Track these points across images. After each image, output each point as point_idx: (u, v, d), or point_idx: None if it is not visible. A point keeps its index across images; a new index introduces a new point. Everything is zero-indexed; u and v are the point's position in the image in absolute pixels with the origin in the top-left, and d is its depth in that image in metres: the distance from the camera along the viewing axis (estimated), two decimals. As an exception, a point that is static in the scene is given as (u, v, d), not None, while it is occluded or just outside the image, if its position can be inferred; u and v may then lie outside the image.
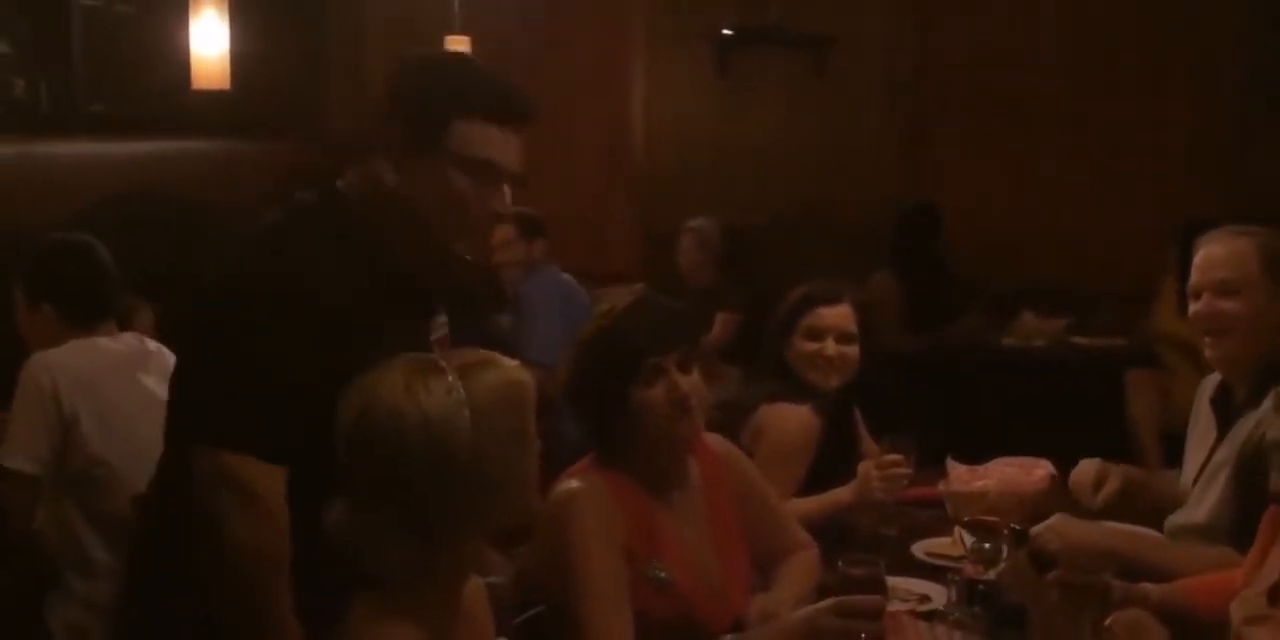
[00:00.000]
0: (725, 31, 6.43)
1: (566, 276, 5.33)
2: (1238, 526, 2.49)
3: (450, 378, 1.58)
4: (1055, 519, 2.66)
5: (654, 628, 2.12)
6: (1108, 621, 2.14)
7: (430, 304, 2.09)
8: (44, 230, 3.43)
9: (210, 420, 1.85)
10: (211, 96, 4.19)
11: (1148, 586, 2.38)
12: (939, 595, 2.41)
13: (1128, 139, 6.23)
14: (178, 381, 2.01)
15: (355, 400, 1.59)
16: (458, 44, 5.46)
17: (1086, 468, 2.91)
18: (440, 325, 2.10)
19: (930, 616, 2.26)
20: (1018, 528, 2.24)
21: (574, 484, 2.19)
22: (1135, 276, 5.75)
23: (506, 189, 2.02)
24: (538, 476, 1.71)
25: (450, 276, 2.16)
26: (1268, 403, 2.27)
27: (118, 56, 5.46)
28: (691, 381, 2.22)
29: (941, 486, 2.97)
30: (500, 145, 1.97)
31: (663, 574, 2.17)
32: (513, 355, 3.75)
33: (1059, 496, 2.94)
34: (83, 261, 3.08)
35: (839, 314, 3.04)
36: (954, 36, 6.42)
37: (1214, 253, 2.71)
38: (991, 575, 2.18)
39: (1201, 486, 2.73)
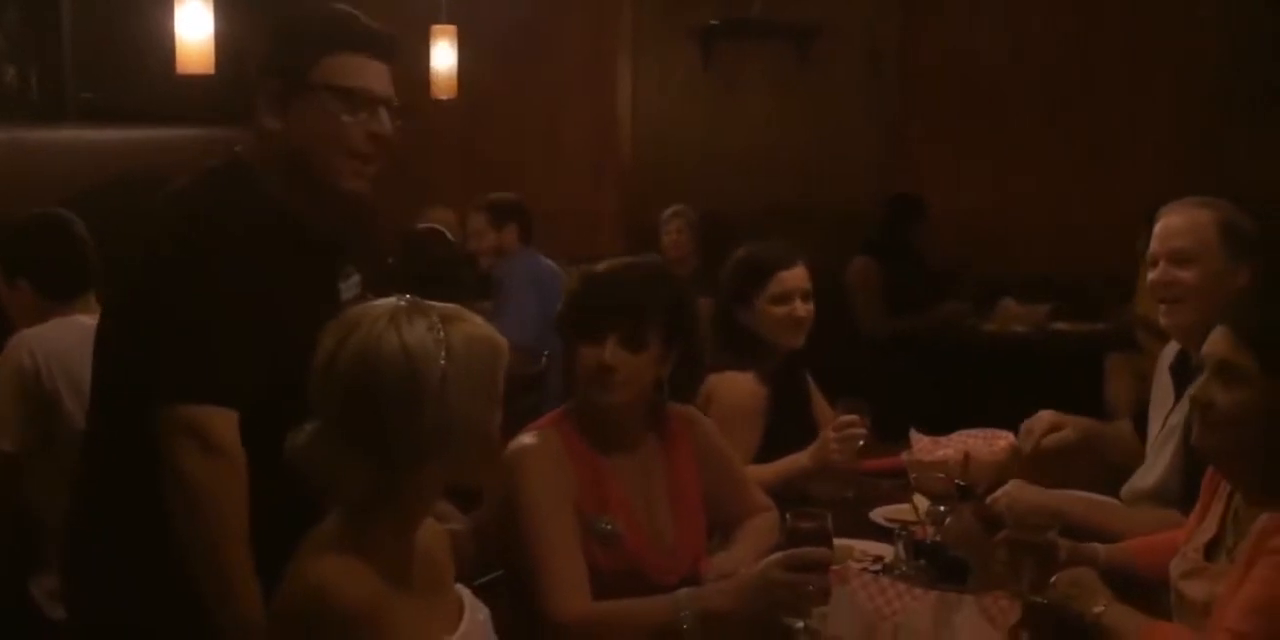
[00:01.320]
0: (710, 23, 6.50)
1: (546, 261, 5.41)
2: (1185, 490, 2.55)
3: (434, 318, 1.65)
4: (1011, 484, 2.73)
5: (601, 578, 2.20)
6: (1052, 578, 2.20)
7: (339, 260, 2.17)
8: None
9: (159, 377, 1.95)
10: (201, 85, 4.25)
11: (1096, 546, 2.45)
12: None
13: (1108, 129, 6.30)
14: (112, 347, 2.11)
15: (339, 329, 1.65)
16: (444, 33, 5.53)
17: (1042, 415, 2.98)
18: (353, 286, 2.19)
19: (879, 571, 2.31)
20: (962, 484, 2.30)
21: (527, 439, 2.27)
22: (1117, 263, 5.80)
23: (384, 113, 2.12)
24: (498, 438, 1.76)
25: (355, 227, 2.24)
26: None
27: (107, 45, 5.51)
28: (625, 358, 2.25)
29: (904, 456, 3.04)
30: (366, 72, 2.10)
31: (609, 527, 2.24)
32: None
33: (1020, 466, 3.01)
34: (58, 236, 3.12)
35: (797, 275, 3.14)
36: (936, 27, 6.48)
37: (1172, 222, 2.77)
38: (936, 531, 2.23)
39: (1155, 451, 2.80)
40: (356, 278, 2.23)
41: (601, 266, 2.37)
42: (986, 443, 3.13)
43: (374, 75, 2.13)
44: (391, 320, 1.62)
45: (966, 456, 2.53)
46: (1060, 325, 5.90)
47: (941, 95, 6.52)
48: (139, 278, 2.07)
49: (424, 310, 1.65)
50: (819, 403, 3.29)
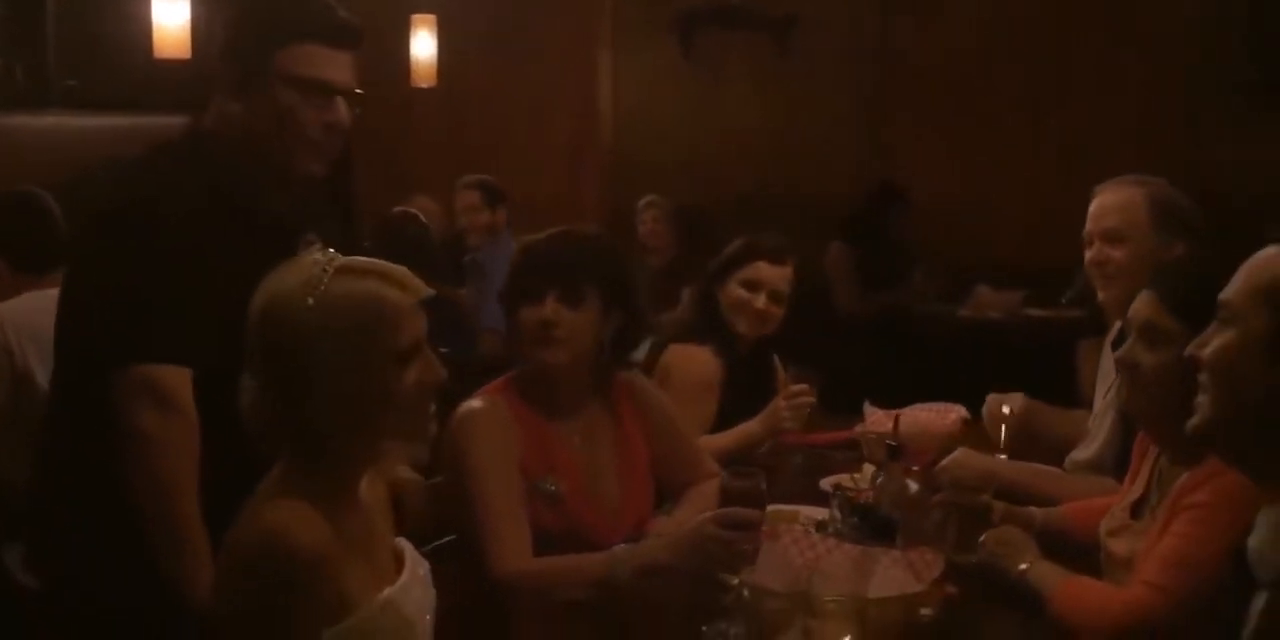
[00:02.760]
0: (691, 13, 6.56)
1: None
2: (1120, 458, 2.61)
3: (324, 271, 1.66)
4: (959, 452, 2.80)
5: (546, 537, 2.26)
6: (982, 537, 2.27)
7: (297, 230, 2.23)
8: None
9: (113, 338, 2.02)
10: (181, 72, 4.31)
11: (1033, 510, 2.52)
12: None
13: (1082, 119, 6.34)
14: (69, 311, 2.17)
15: (264, 283, 1.70)
16: (424, 22, 5.59)
17: (992, 402, 3.05)
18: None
19: (815, 529, 2.38)
20: (893, 444, 2.37)
21: (474, 403, 2.33)
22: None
23: (340, 102, 2.18)
24: (404, 397, 1.73)
25: (309, 204, 2.30)
26: None
27: (90, 35, 5.58)
28: (566, 314, 2.32)
29: (858, 429, 3.12)
30: (327, 63, 2.15)
31: (553, 488, 2.31)
32: (471, 322, 3.87)
33: (972, 439, 3.09)
34: (29, 212, 3.19)
35: (779, 274, 3.18)
36: (915, 17, 6.52)
37: (1104, 202, 2.83)
38: (867, 489, 2.30)
39: (1096, 424, 2.87)
40: (319, 247, 2.28)
41: (540, 236, 2.46)
42: (939, 416, 3.21)
43: (334, 66, 2.17)
44: (304, 279, 1.65)
45: (897, 417, 2.59)
46: (1033, 311, 5.96)
47: (920, 85, 6.56)
48: (92, 243, 2.14)
49: (327, 260, 1.68)
50: (783, 381, 3.35)
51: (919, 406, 3.25)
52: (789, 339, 3.40)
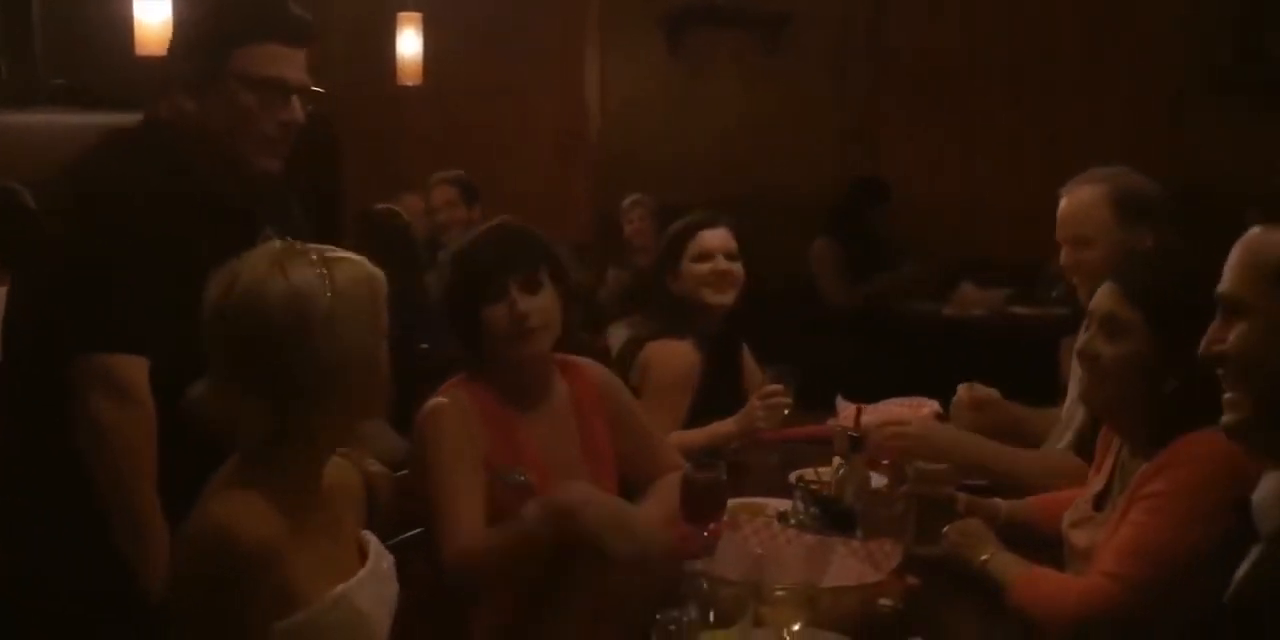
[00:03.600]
0: (678, 12, 6.58)
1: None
2: (1086, 452, 2.63)
3: (314, 257, 1.70)
4: (931, 425, 2.81)
5: None
6: (945, 529, 2.28)
7: (254, 221, 2.25)
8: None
9: (70, 327, 2.05)
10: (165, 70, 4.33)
11: (997, 502, 2.54)
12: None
13: (1069, 116, 6.37)
14: (26, 300, 2.18)
15: (224, 277, 1.70)
16: (410, 20, 5.61)
17: (961, 390, 3.07)
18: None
19: (777, 520, 2.39)
20: (854, 435, 2.38)
21: (439, 400, 2.35)
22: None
23: (295, 100, 2.21)
24: (387, 371, 1.80)
25: (268, 199, 2.33)
26: None
27: (77, 32, 5.61)
28: (533, 302, 2.36)
29: (830, 423, 3.13)
30: (281, 62, 2.17)
31: (522, 478, 2.33)
32: (439, 321, 3.79)
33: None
34: (6, 207, 3.21)
35: (719, 235, 3.23)
36: (902, 15, 6.55)
37: (1069, 206, 2.85)
38: (831, 481, 2.32)
39: (1067, 418, 2.88)
40: (276, 241, 2.29)
41: (469, 239, 2.50)
42: (912, 409, 3.23)
43: (288, 64, 2.19)
44: (274, 264, 1.67)
45: (858, 409, 2.61)
46: (1017, 309, 5.97)
47: (908, 84, 6.58)
48: (47, 232, 2.17)
49: (302, 251, 1.70)
50: (751, 372, 3.37)
51: (893, 401, 3.27)
52: (772, 334, 3.42)
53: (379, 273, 1.76)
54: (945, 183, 6.53)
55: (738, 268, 3.22)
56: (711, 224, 3.24)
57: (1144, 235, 2.74)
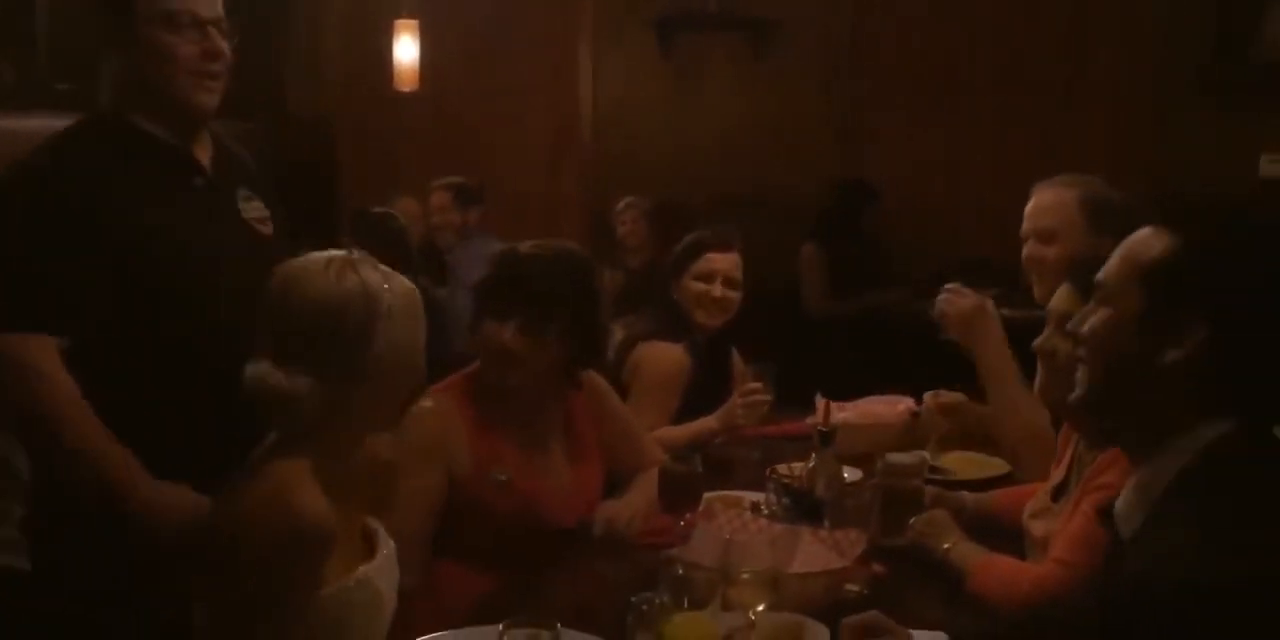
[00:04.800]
0: (669, 18, 6.68)
1: (499, 245, 5.60)
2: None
3: (374, 263, 1.88)
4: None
5: (499, 522, 2.41)
6: (912, 520, 2.40)
7: (229, 186, 2.35)
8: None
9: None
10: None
11: (964, 495, 2.66)
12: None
13: (1053, 120, 6.43)
14: None
15: (284, 278, 1.84)
16: (405, 27, 5.72)
17: (928, 397, 3.18)
18: (254, 208, 2.36)
19: (751, 511, 2.51)
20: (824, 430, 2.49)
21: (424, 403, 2.44)
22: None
23: (213, 31, 2.27)
24: (425, 371, 1.93)
25: (239, 161, 2.44)
26: None
27: (82, 38, 5.70)
28: (521, 341, 2.43)
29: (809, 420, 3.25)
30: None
31: (503, 477, 2.44)
32: (436, 323, 3.92)
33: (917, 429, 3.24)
34: None
35: (728, 260, 3.33)
36: (887, 20, 6.63)
37: (1039, 202, 2.96)
38: (801, 474, 2.43)
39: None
40: (258, 202, 2.41)
41: (524, 248, 2.54)
42: (889, 407, 3.36)
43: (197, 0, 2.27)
44: (344, 266, 1.83)
45: (826, 404, 2.72)
46: (1004, 311, 6.05)
47: (893, 85, 6.65)
48: None
49: (365, 259, 1.87)
50: (740, 373, 3.48)
51: (869, 399, 3.40)
52: (757, 335, 3.54)
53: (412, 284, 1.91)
54: (932, 185, 6.59)
55: (734, 296, 3.33)
56: (725, 247, 3.34)
57: (1107, 242, 2.82)
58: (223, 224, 2.31)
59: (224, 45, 2.29)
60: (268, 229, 2.38)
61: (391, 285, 1.85)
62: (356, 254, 1.88)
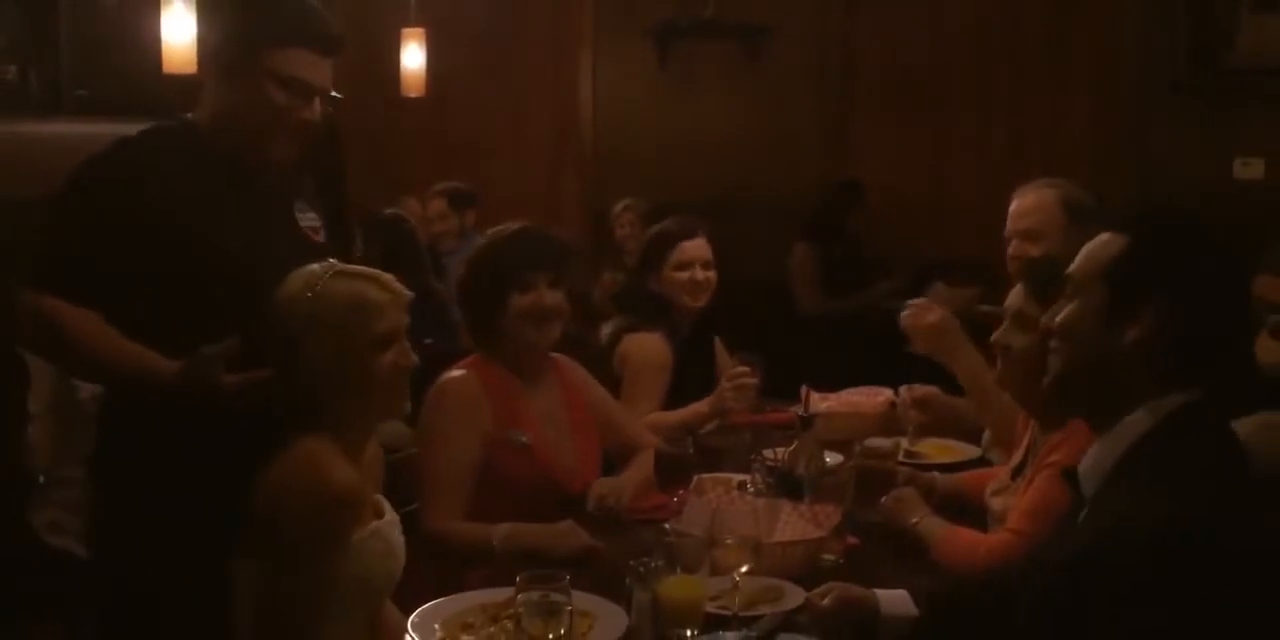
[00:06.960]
0: (666, 23, 6.87)
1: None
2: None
3: (323, 272, 2.05)
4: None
5: (519, 489, 2.67)
6: (883, 498, 2.64)
7: (286, 198, 2.54)
8: (31, 203, 3.85)
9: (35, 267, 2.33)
10: (186, 83, 4.64)
11: (935, 475, 2.90)
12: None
13: (1035, 121, 6.62)
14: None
15: (278, 291, 2.07)
16: (412, 36, 5.92)
17: (903, 392, 3.41)
18: (309, 218, 2.56)
19: (738, 488, 2.75)
20: (804, 416, 2.73)
21: (452, 373, 2.74)
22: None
23: (318, 102, 2.45)
24: (383, 376, 2.06)
25: (294, 180, 2.61)
26: None
27: (101, 44, 5.88)
28: (555, 297, 2.76)
29: (794, 409, 3.48)
30: (310, 67, 2.41)
31: (524, 439, 2.71)
32: (451, 315, 4.23)
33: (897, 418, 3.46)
34: None
35: (698, 246, 3.60)
36: (876, 28, 6.83)
37: (1022, 203, 3.17)
38: (784, 457, 2.67)
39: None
40: (312, 214, 2.62)
41: (502, 233, 2.86)
42: (869, 398, 3.59)
43: (317, 70, 2.42)
44: (301, 275, 2.05)
45: (808, 392, 2.95)
46: (985, 308, 6.25)
47: (881, 90, 6.86)
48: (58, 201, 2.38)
49: (328, 267, 2.06)
50: (725, 363, 3.72)
51: (851, 390, 3.63)
52: (745, 332, 3.77)
53: (373, 292, 2.05)
54: (916, 185, 6.76)
55: (712, 275, 3.60)
56: (690, 235, 3.59)
57: (1084, 240, 3.06)
58: (276, 227, 2.47)
59: (319, 116, 2.43)
60: (319, 237, 2.57)
61: (326, 288, 2.00)
62: (330, 263, 2.06)
